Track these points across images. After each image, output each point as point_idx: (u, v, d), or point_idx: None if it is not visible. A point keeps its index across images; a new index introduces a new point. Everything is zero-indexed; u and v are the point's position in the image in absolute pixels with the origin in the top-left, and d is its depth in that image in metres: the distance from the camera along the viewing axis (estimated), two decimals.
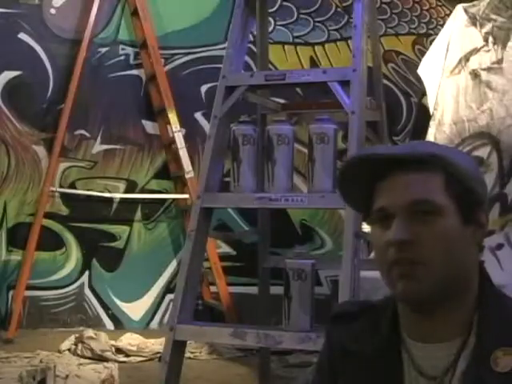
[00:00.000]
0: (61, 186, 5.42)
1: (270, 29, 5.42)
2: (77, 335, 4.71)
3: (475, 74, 4.08)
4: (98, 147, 5.55)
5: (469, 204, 1.19)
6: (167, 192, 5.64)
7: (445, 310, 1.20)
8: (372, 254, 3.11)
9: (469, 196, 1.19)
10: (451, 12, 4.65)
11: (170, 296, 5.43)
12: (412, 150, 1.21)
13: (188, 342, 3.25)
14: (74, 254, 5.50)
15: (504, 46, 3.94)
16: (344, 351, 1.28)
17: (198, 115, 5.69)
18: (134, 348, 4.61)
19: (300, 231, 5.87)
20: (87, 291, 5.51)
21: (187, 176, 5.24)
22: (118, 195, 5.53)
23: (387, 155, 1.21)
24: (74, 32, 5.43)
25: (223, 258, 5.53)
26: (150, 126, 5.62)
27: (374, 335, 1.26)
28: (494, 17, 4.02)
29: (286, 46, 5.90)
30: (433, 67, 4.48)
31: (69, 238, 5.48)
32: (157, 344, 4.56)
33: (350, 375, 1.28)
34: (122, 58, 5.61)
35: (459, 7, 4.33)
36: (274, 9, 5.76)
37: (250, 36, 3.49)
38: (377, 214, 1.21)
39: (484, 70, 4.04)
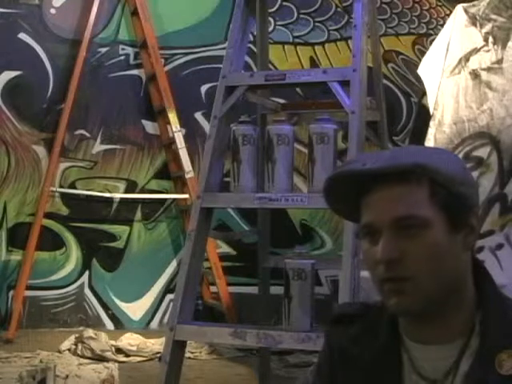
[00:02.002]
0: (61, 186, 5.42)
1: (270, 29, 5.42)
2: (77, 335, 4.71)
3: (475, 74, 4.08)
4: (98, 147, 5.55)
5: (457, 210, 1.17)
6: (167, 192, 5.64)
7: (443, 315, 1.19)
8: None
9: (457, 201, 1.17)
10: (451, 12, 4.65)
11: (169, 296, 5.43)
12: (394, 161, 1.18)
13: (188, 342, 3.24)
14: (73, 254, 5.50)
15: (504, 46, 3.94)
16: (343, 354, 1.28)
17: (198, 115, 5.69)
18: (134, 348, 4.61)
19: (300, 231, 5.87)
20: (87, 291, 5.51)
21: (187, 176, 5.24)
22: (118, 195, 5.54)
23: (367, 171, 1.18)
24: (74, 32, 5.44)
25: (223, 257, 5.53)
26: (149, 126, 5.63)
27: (373, 337, 1.26)
28: (493, 17, 4.02)
29: (285, 46, 5.91)
30: (433, 67, 4.48)
31: (69, 237, 5.48)
32: (157, 344, 4.57)
33: (350, 378, 1.27)
34: (122, 58, 5.61)
35: (459, 7, 4.32)
36: (274, 9, 5.76)
37: (250, 36, 3.49)
38: (364, 229, 1.20)
39: (484, 69, 4.03)
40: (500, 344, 1.16)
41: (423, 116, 5.31)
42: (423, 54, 5.24)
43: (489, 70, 4.00)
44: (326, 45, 5.99)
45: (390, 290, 1.17)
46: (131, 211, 5.60)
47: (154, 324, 5.60)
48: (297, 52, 5.94)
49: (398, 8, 6.07)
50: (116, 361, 4.38)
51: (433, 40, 5.01)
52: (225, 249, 5.67)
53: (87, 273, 5.52)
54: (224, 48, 3.67)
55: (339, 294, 2.77)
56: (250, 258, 3.98)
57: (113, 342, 4.66)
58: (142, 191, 5.61)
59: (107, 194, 5.49)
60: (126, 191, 5.59)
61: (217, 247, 5.50)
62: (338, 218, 1.38)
